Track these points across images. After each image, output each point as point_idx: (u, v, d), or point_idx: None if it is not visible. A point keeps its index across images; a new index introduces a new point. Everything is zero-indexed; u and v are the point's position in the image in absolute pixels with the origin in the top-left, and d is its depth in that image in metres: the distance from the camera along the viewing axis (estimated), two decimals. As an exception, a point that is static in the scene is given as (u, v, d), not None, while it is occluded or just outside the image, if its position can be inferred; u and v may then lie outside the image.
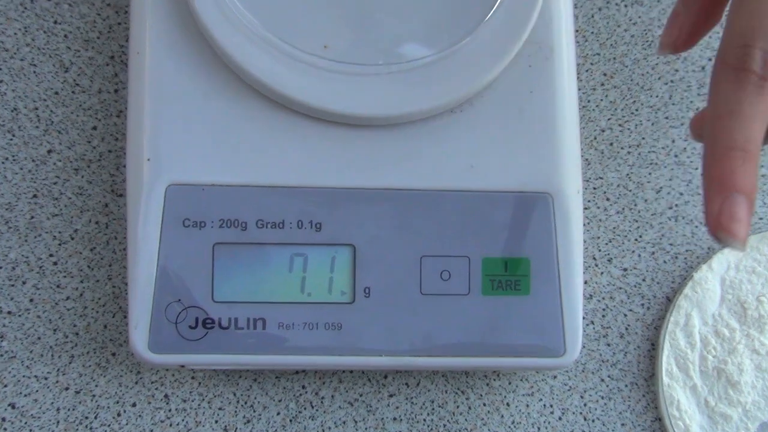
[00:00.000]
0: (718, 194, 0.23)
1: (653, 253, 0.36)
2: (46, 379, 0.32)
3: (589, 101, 0.37)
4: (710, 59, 0.37)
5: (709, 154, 0.23)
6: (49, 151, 0.33)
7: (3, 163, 0.33)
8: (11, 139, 0.33)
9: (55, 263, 0.33)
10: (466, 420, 0.35)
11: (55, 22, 0.34)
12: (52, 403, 0.32)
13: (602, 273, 0.36)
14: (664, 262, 0.36)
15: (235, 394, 0.34)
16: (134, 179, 0.31)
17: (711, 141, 0.24)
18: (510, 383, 0.35)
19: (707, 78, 0.36)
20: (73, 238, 0.33)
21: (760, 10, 0.23)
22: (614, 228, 0.36)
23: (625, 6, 0.38)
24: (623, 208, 0.36)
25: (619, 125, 0.37)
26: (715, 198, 0.23)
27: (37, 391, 0.32)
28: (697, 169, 0.35)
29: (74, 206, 0.33)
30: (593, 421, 0.35)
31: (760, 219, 0.36)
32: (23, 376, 0.32)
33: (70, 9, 0.34)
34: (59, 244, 0.33)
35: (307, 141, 0.32)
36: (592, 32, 0.37)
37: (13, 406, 0.32)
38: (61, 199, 0.33)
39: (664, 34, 0.27)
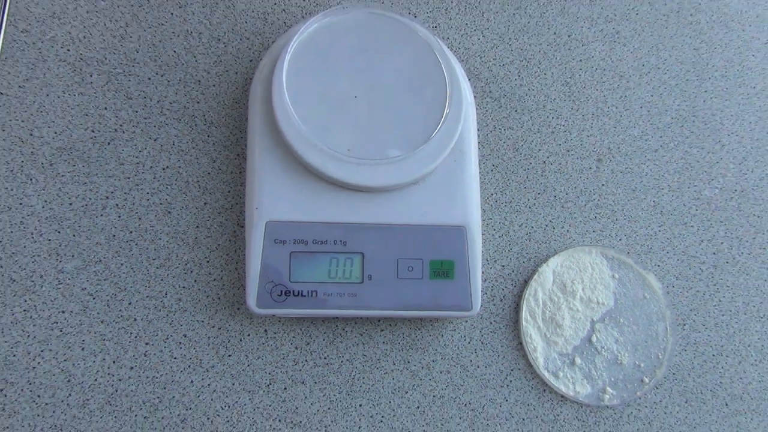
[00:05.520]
0: None
1: (518, 256, 0.40)
2: (201, 322, 0.36)
3: (484, 179, 0.41)
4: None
5: None
6: (205, 204, 0.38)
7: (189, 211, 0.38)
8: (191, 190, 0.38)
9: (209, 263, 0.37)
10: (422, 337, 0.38)
11: (208, 137, 0.39)
12: (207, 335, 0.36)
13: (491, 268, 0.40)
14: (524, 261, 0.40)
15: (300, 329, 0.37)
16: (250, 218, 0.34)
17: None
18: (444, 325, 0.39)
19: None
20: (218, 248, 0.37)
21: None
22: (497, 246, 0.40)
23: (504, 129, 0.42)
24: (502, 236, 0.40)
25: (500, 191, 0.41)
26: None
27: (195, 330, 0.36)
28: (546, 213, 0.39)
29: (220, 233, 0.38)
30: (486, 343, 0.39)
31: (580, 236, 0.40)
32: (189, 322, 0.36)
33: (217, 131, 0.39)
34: (210, 252, 0.37)
35: (339, 198, 0.34)
36: (488, 144, 0.42)
37: (185, 335, 0.36)
38: (215, 231, 0.38)
39: None
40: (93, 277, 0.35)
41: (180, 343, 0.35)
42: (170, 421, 0.34)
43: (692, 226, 0.40)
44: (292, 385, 0.35)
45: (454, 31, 0.41)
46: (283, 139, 0.33)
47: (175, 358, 0.34)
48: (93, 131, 0.36)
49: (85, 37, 0.37)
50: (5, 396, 0.33)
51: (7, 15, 0.35)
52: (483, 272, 0.38)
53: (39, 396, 0.33)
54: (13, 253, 0.34)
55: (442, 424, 0.35)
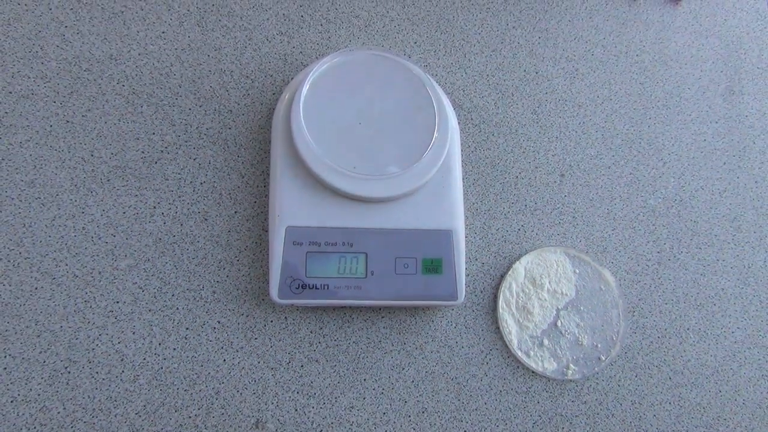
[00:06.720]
0: None
1: (496, 255, 0.42)
2: (233, 311, 0.39)
3: (467, 191, 0.43)
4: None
5: None
6: (235, 212, 0.41)
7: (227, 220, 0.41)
8: (224, 201, 0.41)
9: (239, 261, 0.40)
10: (416, 323, 0.40)
11: (238, 157, 0.43)
12: (237, 321, 0.39)
13: (473, 265, 0.42)
14: (501, 259, 0.42)
15: (314, 316, 0.40)
16: (272, 224, 0.36)
17: None
18: (434, 312, 0.41)
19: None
20: (247, 248, 0.40)
21: None
22: (478, 247, 0.42)
23: (483, 150, 0.45)
24: (482, 238, 0.43)
25: (481, 201, 0.44)
26: None
27: (227, 317, 0.39)
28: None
29: (248, 236, 0.40)
30: (469, 328, 0.41)
31: (546, 238, 0.43)
32: (222, 310, 0.39)
33: (246, 152, 0.42)
34: (239, 252, 0.40)
35: (346, 207, 0.35)
36: (470, 162, 0.44)
37: (219, 322, 0.39)
38: (244, 235, 0.40)
39: None
40: (142, 274, 0.38)
41: (214, 328, 0.38)
42: (206, 393, 0.37)
43: (640, 230, 0.44)
44: (308, 363, 0.38)
45: (442, 69, 0.44)
46: (300, 158, 0.35)
47: (210, 340, 0.37)
48: (143, 152, 0.40)
49: (136, 75, 0.41)
50: (69, 372, 0.36)
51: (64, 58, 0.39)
52: (466, 268, 0.39)
53: (97, 372, 0.36)
54: (76, 253, 0.38)
55: (433, 395, 0.39)
